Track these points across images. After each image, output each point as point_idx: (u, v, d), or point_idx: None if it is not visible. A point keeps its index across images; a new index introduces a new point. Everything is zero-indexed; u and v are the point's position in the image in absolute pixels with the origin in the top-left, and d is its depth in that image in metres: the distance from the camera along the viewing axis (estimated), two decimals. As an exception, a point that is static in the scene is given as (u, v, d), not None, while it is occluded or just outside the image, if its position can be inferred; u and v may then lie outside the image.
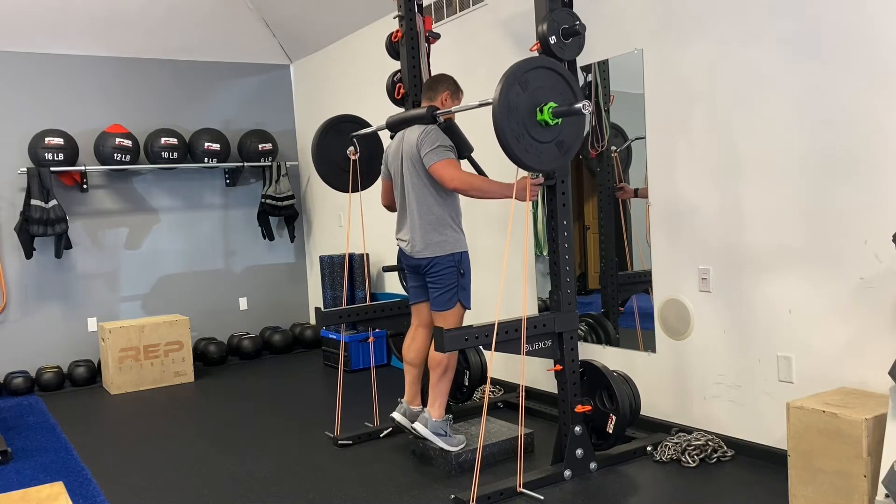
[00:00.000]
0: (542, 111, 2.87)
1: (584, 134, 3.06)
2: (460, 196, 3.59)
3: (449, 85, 3.64)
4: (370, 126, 4.12)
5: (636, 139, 3.88)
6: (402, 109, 4.17)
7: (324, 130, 4.12)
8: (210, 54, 6.66)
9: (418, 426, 3.51)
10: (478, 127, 3.99)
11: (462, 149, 3.51)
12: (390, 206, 3.81)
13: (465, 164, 3.54)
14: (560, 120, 2.91)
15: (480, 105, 3.14)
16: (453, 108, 3.49)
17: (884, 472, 2.48)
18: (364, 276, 5.85)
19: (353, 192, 4.08)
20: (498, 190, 3.37)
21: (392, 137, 3.75)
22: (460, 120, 3.64)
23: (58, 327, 6.07)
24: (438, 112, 3.47)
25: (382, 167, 3.82)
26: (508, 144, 2.80)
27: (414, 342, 3.78)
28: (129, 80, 6.33)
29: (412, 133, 3.51)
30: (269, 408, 4.97)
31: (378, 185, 3.97)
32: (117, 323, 5.85)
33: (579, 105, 2.87)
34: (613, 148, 4.05)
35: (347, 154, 4.06)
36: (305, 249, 7.22)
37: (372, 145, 4.21)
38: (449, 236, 3.50)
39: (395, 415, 3.73)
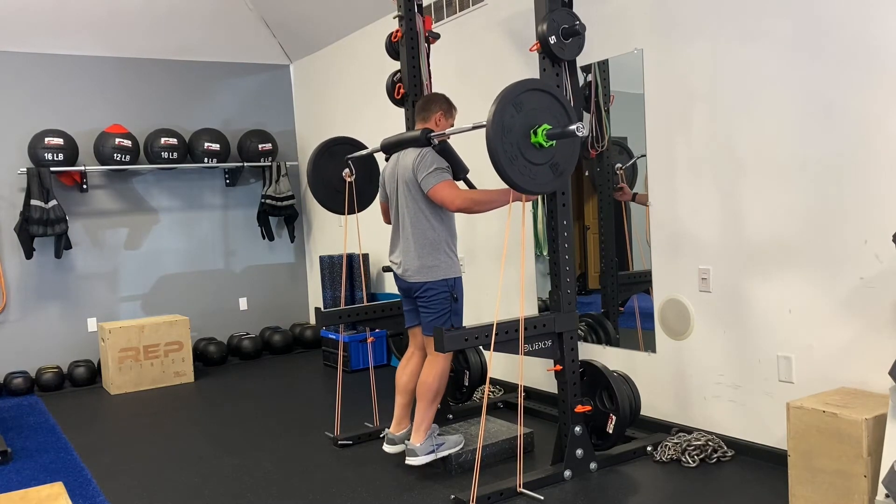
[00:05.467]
0: (536, 133, 2.87)
1: (584, 134, 3.05)
2: (456, 218, 3.57)
3: (441, 104, 3.60)
4: (365, 147, 4.10)
5: (641, 156, 3.87)
6: (402, 109, 4.17)
7: (318, 154, 4.09)
8: (210, 54, 6.66)
9: (411, 461, 3.47)
10: (475, 144, 4.00)
11: (457, 170, 3.49)
12: None
13: (460, 186, 3.52)
14: (554, 142, 2.90)
15: (474, 128, 3.14)
16: (447, 131, 3.48)
17: (884, 472, 2.48)
18: (363, 277, 5.85)
19: (349, 213, 4.08)
20: (499, 197, 3.35)
21: (387, 160, 3.73)
22: (455, 140, 3.62)
23: (58, 327, 6.08)
24: (433, 135, 3.46)
25: (380, 189, 3.80)
26: (502, 166, 2.80)
27: (409, 365, 3.71)
28: (129, 80, 6.34)
29: (407, 156, 3.48)
30: (269, 408, 4.97)
31: (377, 203, 3.96)
32: (117, 323, 5.85)
33: (573, 127, 2.86)
34: (619, 165, 4.04)
35: (343, 176, 4.05)
36: (305, 249, 7.22)
37: (368, 166, 4.20)
38: (443, 261, 3.46)
39: (386, 448, 3.69)
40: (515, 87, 2.86)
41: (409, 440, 3.52)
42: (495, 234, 4.77)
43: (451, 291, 3.46)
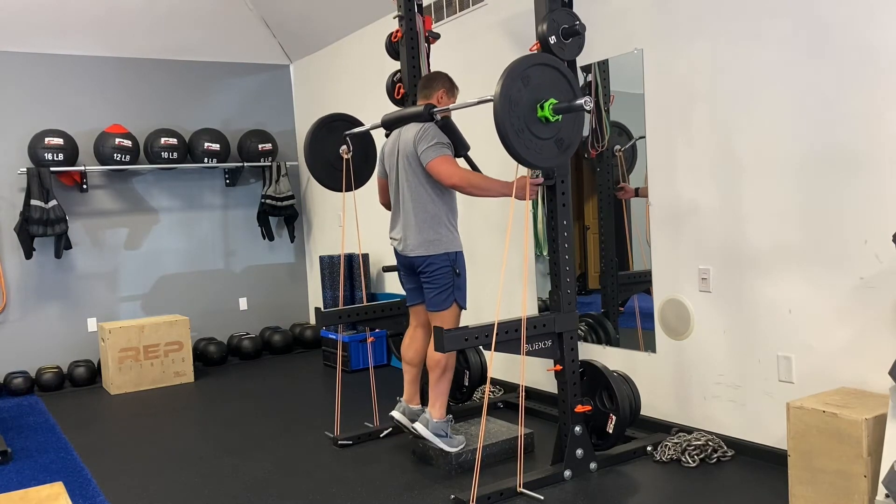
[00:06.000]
0: (542, 107, 2.87)
1: (585, 134, 3.05)
2: (457, 195, 3.58)
3: (444, 82, 3.62)
4: (363, 125, 4.10)
5: (640, 138, 3.87)
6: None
7: (316, 129, 4.09)
8: (210, 54, 6.66)
9: (419, 427, 3.51)
10: (476, 126, 4.00)
11: (459, 147, 3.50)
12: (388, 205, 3.81)
13: (461, 163, 3.53)
14: (560, 117, 2.90)
15: (479, 102, 3.14)
16: (451, 106, 3.48)
17: (884, 472, 2.48)
18: (363, 277, 5.85)
19: (346, 191, 4.07)
20: (497, 187, 3.36)
21: (387, 136, 3.74)
22: (457, 118, 3.63)
23: (58, 327, 6.07)
24: (435, 110, 3.46)
25: (378, 165, 3.80)
26: (509, 139, 2.79)
27: (413, 342, 3.77)
28: (129, 80, 6.34)
29: (409, 131, 3.50)
30: (269, 408, 4.97)
31: (373, 185, 3.97)
32: (117, 323, 5.85)
33: (580, 101, 2.87)
34: (618, 147, 4.04)
35: (340, 153, 4.04)
36: (305, 249, 7.22)
37: (365, 144, 4.20)
38: (444, 235, 3.48)
39: (395, 413, 3.72)
40: (522, 61, 2.86)
41: (426, 411, 3.55)
42: (495, 234, 4.77)
43: (452, 265, 3.48)
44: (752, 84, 3.30)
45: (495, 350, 3.13)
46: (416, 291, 3.66)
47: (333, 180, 4.12)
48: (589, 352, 4.16)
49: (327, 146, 4.09)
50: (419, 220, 3.46)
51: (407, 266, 3.61)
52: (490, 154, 3.78)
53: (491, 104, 2.80)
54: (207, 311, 6.65)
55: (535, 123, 2.87)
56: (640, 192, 3.93)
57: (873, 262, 2.94)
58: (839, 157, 3.02)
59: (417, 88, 3.70)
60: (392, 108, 4.28)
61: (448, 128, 3.47)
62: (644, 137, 3.83)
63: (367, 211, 4.45)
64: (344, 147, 4.02)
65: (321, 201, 6.83)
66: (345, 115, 4.22)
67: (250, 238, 6.89)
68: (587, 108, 2.87)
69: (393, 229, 3.64)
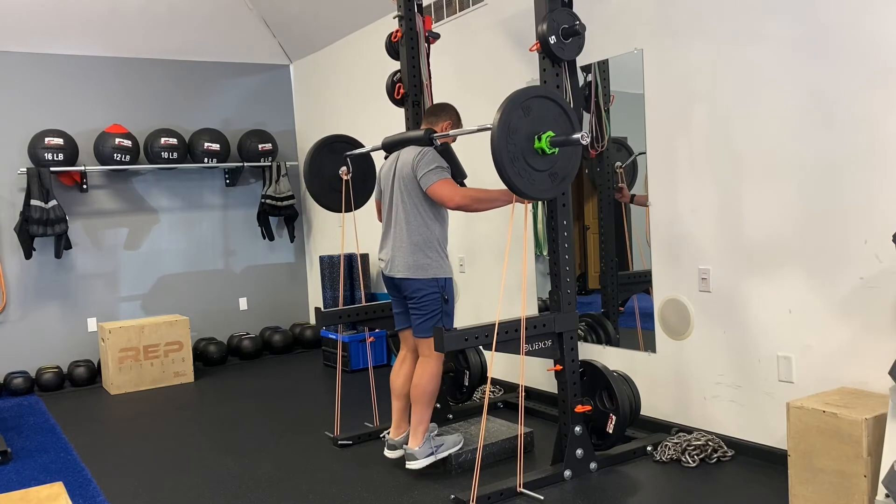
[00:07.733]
0: (539, 139, 2.88)
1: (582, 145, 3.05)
2: (453, 218, 3.55)
3: (451, 115, 3.61)
4: (363, 146, 4.11)
5: (640, 154, 3.87)
6: (402, 109, 4.18)
7: (316, 150, 4.10)
8: (210, 54, 6.66)
9: (411, 465, 3.44)
10: (474, 154, 4.00)
11: (456, 174, 3.46)
12: None
13: None
14: (557, 151, 2.91)
15: (479, 130, 3.13)
16: (451, 132, 3.48)
17: (884, 472, 2.48)
18: (364, 277, 5.85)
19: (345, 211, 4.09)
20: (499, 197, 3.34)
21: (386, 158, 3.73)
22: (456, 146, 3.61)
23: (58, 327, 6.08)
24: (435, 135, 3.45)
25: (376, 186, 3.79)
26: (503, 165, 2.79)
27: (402, 368, 3.66)
28: (129, 80, 6.34)
29: (408, 153, 3.47)
30: (269, 408, 4.97)
31: (372, 202, 3.96)
32: (117, 323, 5.85)
33: (577, 135, 2.88)
34: (618, 164, 4.05)
35: (340, 174, 4.05)
36: (305, 249, 7.22)
37: (364, 166, 4.20)
38: (434, 260, 3.44)
39: (387, 454, 3.64)
40: (526, 91, 2.90)
41: (407, 444, 3.50)
42: (495, 235, 4.77)
43: (441, 292, 3.44)
44: (752, 84, 3.30)
45: (495, 350, 3.13)
46: (405, 316, 3.60)
47: (333, 201, 4.13)
48: (589, 352, 4.16)
49: (327, 167, 4.10)
50: (412, 244, 3.43)
51: (394, 288, 3.58)
52: (486, 181, 3.77)
53: (489, 133, 2.81)
54: (207, 311, 6.65)
55: (530, 154, 2.88)
56: (637, 200, 3.93)
57: (873, 262, 2.94)
58: (839, 156, 3.02)
59: (424, 115, 3.70)
60: (392, 109, 4.30)
61: (447, 153, 3.46)
62: (644, 153, 3.83)
63: (367, 212, 4.45)
64: (343, 168, 4.03)
65: (321, 201, 6.83)
66: (345, 137, 4.22)
67: (250, 238, 6.90)
68: (584, 142, 2.89)
69: (382, 249, 3.61)
